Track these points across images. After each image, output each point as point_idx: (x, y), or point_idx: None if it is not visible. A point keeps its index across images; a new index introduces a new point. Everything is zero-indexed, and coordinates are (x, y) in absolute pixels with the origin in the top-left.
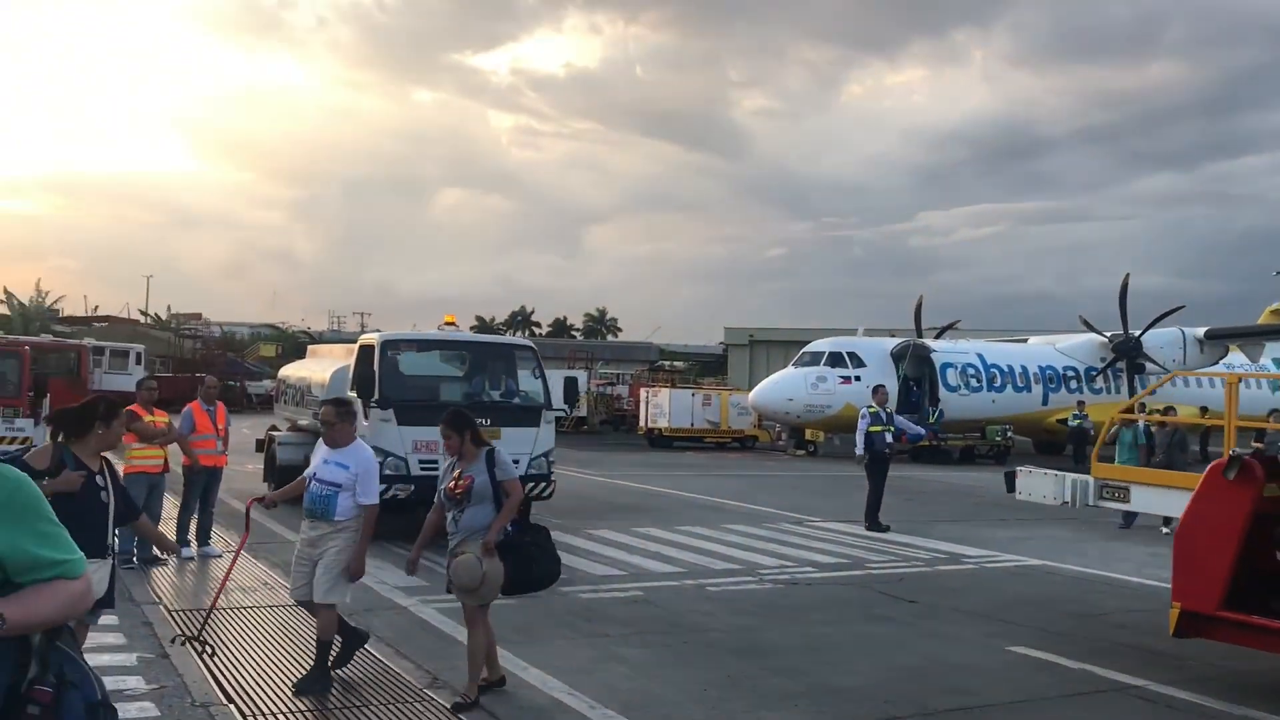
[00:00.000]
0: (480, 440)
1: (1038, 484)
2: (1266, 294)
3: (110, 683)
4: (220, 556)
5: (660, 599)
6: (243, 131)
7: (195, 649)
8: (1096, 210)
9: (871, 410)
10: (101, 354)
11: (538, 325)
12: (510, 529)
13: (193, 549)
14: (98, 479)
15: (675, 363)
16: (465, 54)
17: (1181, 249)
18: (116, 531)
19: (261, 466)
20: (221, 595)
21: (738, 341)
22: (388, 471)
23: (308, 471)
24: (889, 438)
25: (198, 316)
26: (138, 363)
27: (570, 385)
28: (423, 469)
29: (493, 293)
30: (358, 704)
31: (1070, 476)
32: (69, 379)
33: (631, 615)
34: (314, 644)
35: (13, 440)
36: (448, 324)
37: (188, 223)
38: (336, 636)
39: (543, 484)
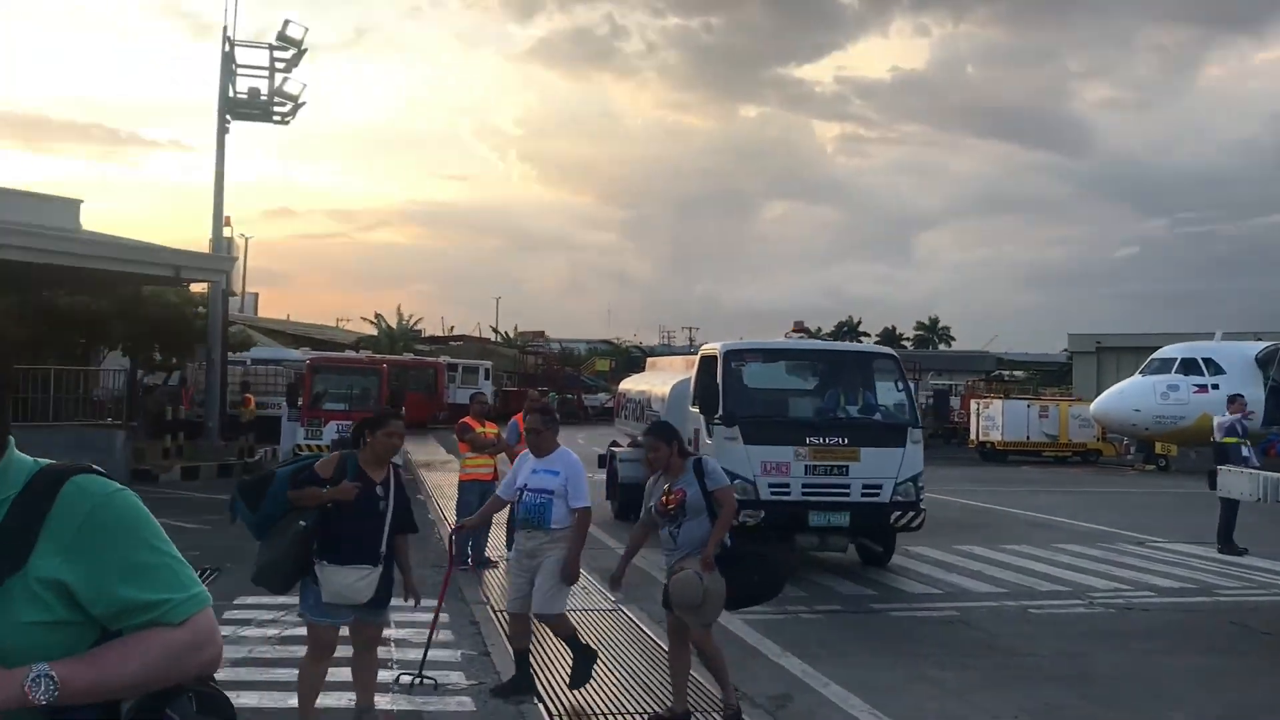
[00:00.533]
0: (686, 451)
1: (1235, 482)
2: None
3: (434, 675)
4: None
5: (977, 620)
6: (580, 157)
7: (424, 682)
8: None
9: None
10: (455, 370)
11: (866, 335)
12: (729, 541)
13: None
14: (378, 488)
15: (1015, 372)
16: (790, 66)
17: None
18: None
19: (604, 483)
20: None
21: (1083, 349)
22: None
23: (504, 489)
24: (1245, 451)
25: (541, 334)
26: (486, 378)
27: (941, 400)
28: (773, 493)
29: (820, 303)
30: (654, 710)
31: (1264, 475)
32: (426, 393)
33: (945, 636)
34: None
35: None
36: (795, 332)
37: (532, 246)
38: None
39: (910, 513)
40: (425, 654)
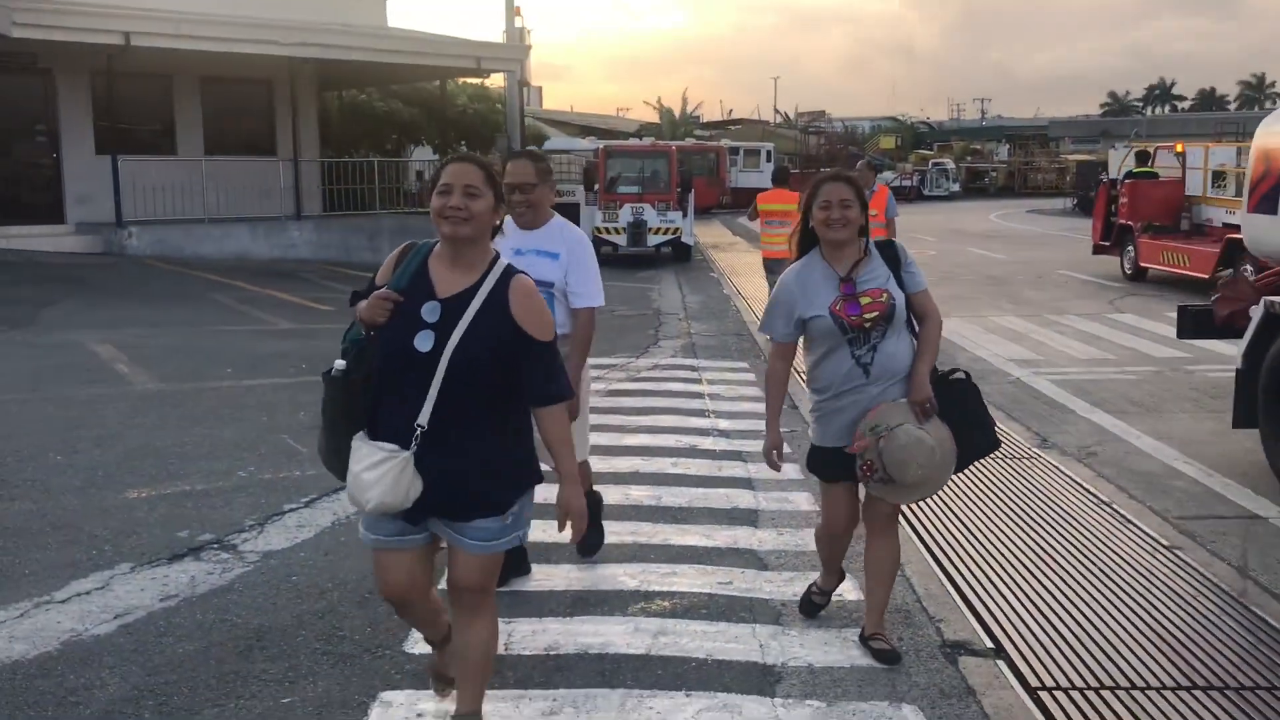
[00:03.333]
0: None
1: None
2: None
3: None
4: None
5: None
6: None
7: None
8: None
9: None
10: (736, 154)
11: (1180, 99)
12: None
13: None
14: (427, 308)
15: None
16: None
17: None
18: None
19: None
20: None
21: None
22: None
23: None
24: None
25: (822, 113)
26: (768, 160)
27: None
28: None
29: (1126, 66)
30: None
31: None
32: (709, 177)
33: None
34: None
35: (666, 230)
36: None
37: (808, 23)
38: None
39: None
40: None
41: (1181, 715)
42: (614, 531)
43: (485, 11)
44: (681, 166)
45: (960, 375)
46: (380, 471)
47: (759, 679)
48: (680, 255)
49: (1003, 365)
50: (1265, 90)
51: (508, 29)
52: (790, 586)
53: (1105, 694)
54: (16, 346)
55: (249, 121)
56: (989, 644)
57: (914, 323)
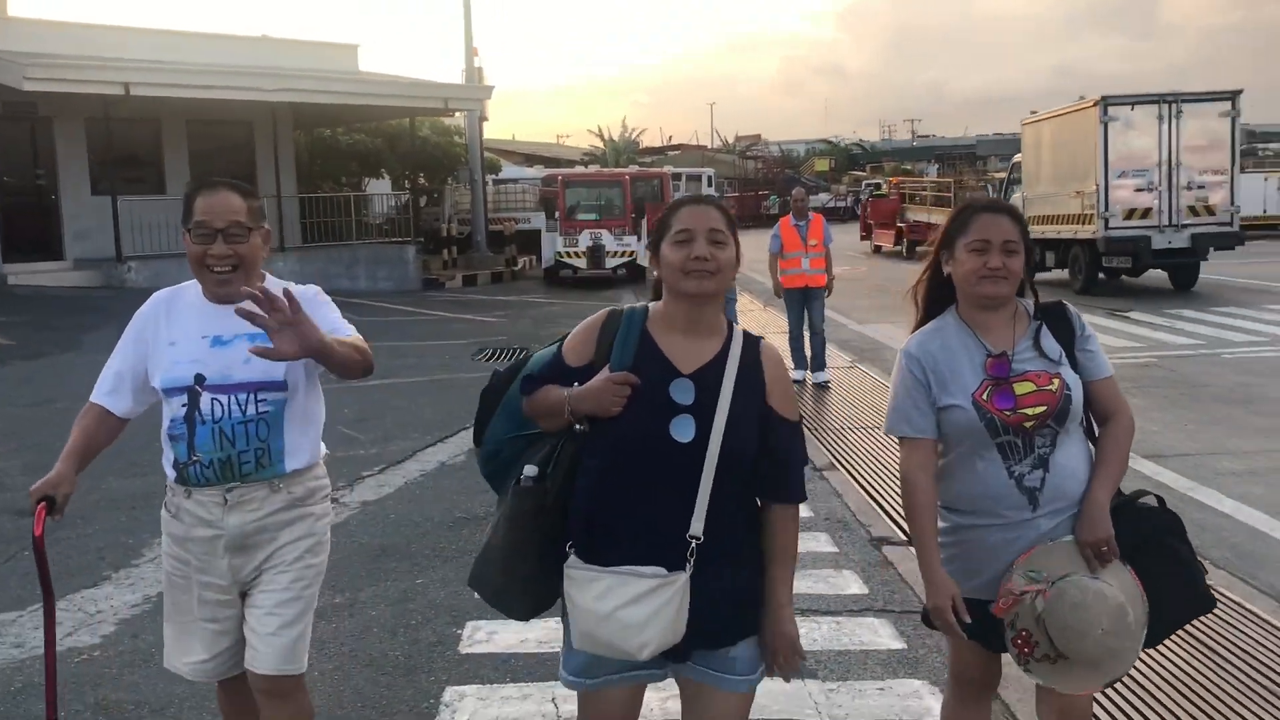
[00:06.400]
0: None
1: None
2: None
3: None
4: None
5: (1170, 364)
6: None
7: None
8: None
9: None
10: (679, 179)
11: None
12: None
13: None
14: (674, 386)
15: (1268, 147)
16: None
17: None
18: None
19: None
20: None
21: None
22: None
23: (167, 378)
24: None
25: (757, 138)
26: (709, 185)
27: None
28: None
29: (1052, 85)
30: None
31: None
32: (654, 203)
33: (1138, 375)
34: None
35: (623, 253)
36: None
37: (742, 47)
38: None
39: None
40: None
41: None
42: None
43: (447, 49)
44: (633, 193)
45: (1150, 500)
46: (655, 605)
47: None
48: (635, 276)
49: None
50: None
51: (467, 69)
52: None
53: None
54: (74, 367)
55: (232, 161)
56: (903, 537)
57: (1090, 423)
